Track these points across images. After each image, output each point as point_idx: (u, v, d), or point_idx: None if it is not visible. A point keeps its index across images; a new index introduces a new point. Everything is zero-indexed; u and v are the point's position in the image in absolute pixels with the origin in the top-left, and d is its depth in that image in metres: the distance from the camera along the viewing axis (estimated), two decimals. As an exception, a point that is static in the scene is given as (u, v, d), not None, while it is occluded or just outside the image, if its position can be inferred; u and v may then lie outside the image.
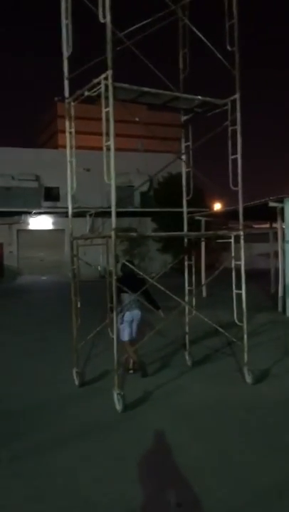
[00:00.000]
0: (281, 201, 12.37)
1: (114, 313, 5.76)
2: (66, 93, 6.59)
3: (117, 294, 5.99)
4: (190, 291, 7.41)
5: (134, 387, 6.31)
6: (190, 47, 7.17)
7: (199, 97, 6.57)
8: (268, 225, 19.50)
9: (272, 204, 12.43)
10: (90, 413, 5.65)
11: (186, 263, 7.51)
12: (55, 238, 28.32)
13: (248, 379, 6.50)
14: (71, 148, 6.51)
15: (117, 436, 4.95)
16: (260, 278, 20.03)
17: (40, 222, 29.03)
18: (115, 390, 5.70)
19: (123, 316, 6.72)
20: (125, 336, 6.84)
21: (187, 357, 7.49)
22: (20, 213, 27.77)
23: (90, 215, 28.42)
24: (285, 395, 6.13)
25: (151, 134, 22.15)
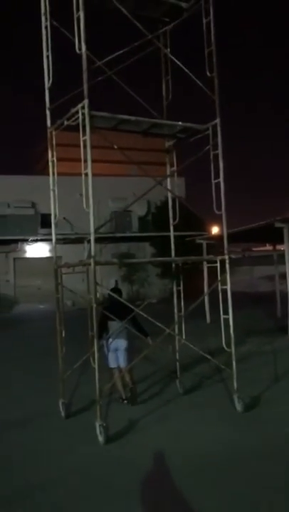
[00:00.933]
0: (288, 221, 12.21)
1: (96, 342, 5.75)
2: (48, 122, 6.83)
3: (104, 322, 6.13)
4: (180, 317, 7.40)
5: (120, 417, 6.32)
6: (172, 73, 7.41)
7: (180, 123, 6.74)
8: (271, 248, 19.57)
9: (278, 225, 12.23)
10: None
11: (174, 289, 7.61)
12: (52, 266, 28.26)
13: (238, 407, 6.45)
14: (53, 175, 6.67)
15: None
16: (265, 301, 19.98)
17: (37, 250, 29.15)
18: (98, 421, 5.64)
19: (110, 343, 6.82)
20: (110, 363, 6.95)
21: (178, 385, 7.50)
22: (16, 241, 27.98)
23: (88, 241, 28.58)
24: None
25: (145, 159, 22.59)
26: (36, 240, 28.25)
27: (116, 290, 7.14)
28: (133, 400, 6.95)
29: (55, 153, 6.73)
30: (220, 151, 6.66)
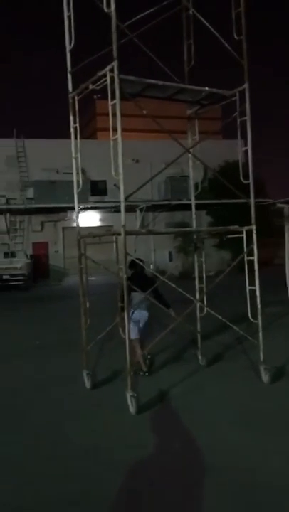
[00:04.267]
0: None
1: (126, 313, 6.04)
2: (69, 87, 6.91)
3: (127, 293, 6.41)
4: (201, 288, 7.76)
5: (148, 388, 6.68)
6: (194, 37, 7.45)
7: (206, 89, 6.86)
8: None
9: None
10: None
11: (196, 262, 8.00)
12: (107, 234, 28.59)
13: (265, 378, 6.79)
14: (76, 143, 6.88)
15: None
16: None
17: (87, 219, 29.50)
18: (128, 391, 5.94)
19: (132, 315, 7.06)
20: (132, 335, 7.15)
21: (200, 356, 7.89)
22: (65, 209, 28.44)
23: (141, 210, 28.67)
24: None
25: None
26: (86, 208, 28.57)
27: (139, 261, 7.37)
28: (147, 369, 7.41)
29: (78, 120, 6.90)
30: (248, 117, 6.80)
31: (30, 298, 20.71)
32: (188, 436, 5.27)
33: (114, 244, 6.99)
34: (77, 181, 7.06)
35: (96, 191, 29.54)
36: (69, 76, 6.90)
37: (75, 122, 6.92)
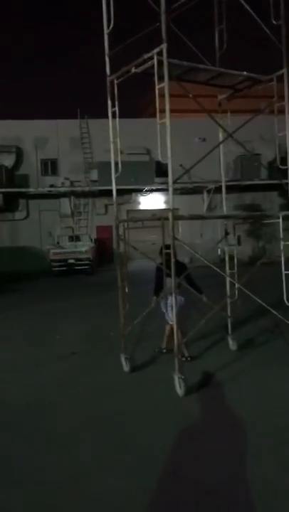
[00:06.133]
0: None
1: (174, 298, 6.35)
2: (107, 70, 7.08)
3: (160, 279, 7.12)
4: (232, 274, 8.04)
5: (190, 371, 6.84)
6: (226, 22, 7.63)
7: (244, 73, 7.12)
8: None
9: None
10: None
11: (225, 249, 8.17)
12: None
13: None
14: (115, 126, 7.12)
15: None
16: None
17: (152, 201, 29.53)
18: (176, 373, 6.17)
19: (167, 300, 7.42)
20: (169, 320, 7.57)
21: (231, 341, 8.20)
22: (130, 191, 28.61)
23: (208, 192, 28.31)
24: None
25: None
26: (151, 190, 28.55)
27: (168, 247, 7.38)
28: (185, 354, 7.59)
29: (116, 103, 7.01)
30: (287, 102, 6.93)
31: (97, 282, 20.95)
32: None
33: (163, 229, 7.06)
34: (116, 164, 7.35)
35: (161, 173, 29.36)
36: (107, 59, 7.07)
37: (113, 106, 7.07)
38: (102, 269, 26.43)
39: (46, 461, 4.69)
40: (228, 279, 8.10)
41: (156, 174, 28.68)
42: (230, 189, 30.84)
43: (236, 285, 7.74)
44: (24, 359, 8.46)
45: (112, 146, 7.22)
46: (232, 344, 8.19)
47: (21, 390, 6.82)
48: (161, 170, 29.59)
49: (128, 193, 28.66)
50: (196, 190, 28.21)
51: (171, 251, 6.33)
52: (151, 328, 8.92)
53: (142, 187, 27.98)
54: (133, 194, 29.04)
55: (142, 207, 29.99)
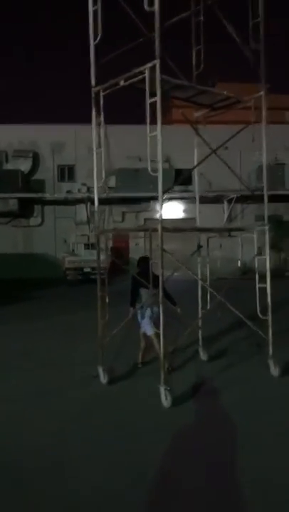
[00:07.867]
0: None
1: (160, 308, 6.54)
2: (92, 81, 7.22)
3: (136, 290, 7.57)
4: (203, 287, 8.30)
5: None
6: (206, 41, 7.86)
7: (225, 93, 7.44)
8: None
9: None
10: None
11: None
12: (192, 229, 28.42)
13: (274, 371, 7.47)
14: (98, 137, 7.27)
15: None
16: None
17: (170, 210, 29.44)
18: (162, 385, 6.31)
19: (145, 311, 7.72)
20: (149, 330, 7.76)
21: (201, 352, 8.60)
22: (148, 199, 28.65)
23: (229, 201, 28.23)
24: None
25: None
26: (170, 199, 28.49)
27: (144, 258, 8.03)
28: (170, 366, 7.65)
29: (102, 114, 7.13)
30: (263, 124, 7.32)
31: (112, 292, 20.74)
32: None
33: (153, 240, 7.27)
34: (99, 175, 7.49)
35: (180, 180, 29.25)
36: (92, 70, 7.20)
37: (98, 118, 7.16)
38: (118, 278, 26.37)
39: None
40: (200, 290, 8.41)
41: (174, 182, 28.67)
42: (252, 199, 31.00)
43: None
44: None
45: (94, 156, 7.41)
46: (202, 355, 8.58)
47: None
48: (179, 178, 29.60)
49: (146, 200, 28.73)
50: (215, 199, 28.13)
51: (160, 262, 6.76)
52: (129, 340, 8.74)
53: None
54: (151, 202, 29.03)
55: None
